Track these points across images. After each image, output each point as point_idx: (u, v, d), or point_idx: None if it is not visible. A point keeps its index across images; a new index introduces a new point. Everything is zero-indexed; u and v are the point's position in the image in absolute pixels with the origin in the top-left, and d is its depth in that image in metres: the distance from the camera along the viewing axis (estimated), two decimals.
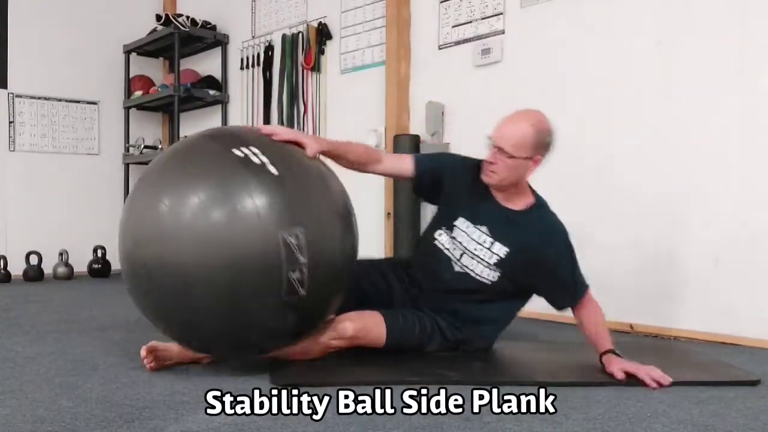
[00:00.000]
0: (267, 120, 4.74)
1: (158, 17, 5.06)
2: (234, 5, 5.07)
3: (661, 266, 2.77)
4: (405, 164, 2.22)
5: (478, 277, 2.11)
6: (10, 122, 5.03)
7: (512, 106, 3.30)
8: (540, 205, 2.15)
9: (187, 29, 4.97)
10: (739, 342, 2.57)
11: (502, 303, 2.19)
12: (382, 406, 1.61)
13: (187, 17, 5.02)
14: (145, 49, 5.41)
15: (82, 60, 5.30)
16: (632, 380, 1.86)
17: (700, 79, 2.71)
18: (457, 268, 2.13)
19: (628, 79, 2.92)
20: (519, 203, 2.13)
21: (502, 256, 2.09)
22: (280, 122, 4.60)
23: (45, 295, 3.99)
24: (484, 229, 2.09)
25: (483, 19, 3.50)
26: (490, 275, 2.10)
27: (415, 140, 3.68)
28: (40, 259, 4.86)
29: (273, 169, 1.78)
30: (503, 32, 3.41)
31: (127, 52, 5.41)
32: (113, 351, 2.27)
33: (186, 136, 2.24)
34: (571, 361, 2.20)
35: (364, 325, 2.04)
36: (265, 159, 1.79)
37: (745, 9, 2.60)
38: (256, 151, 1.81)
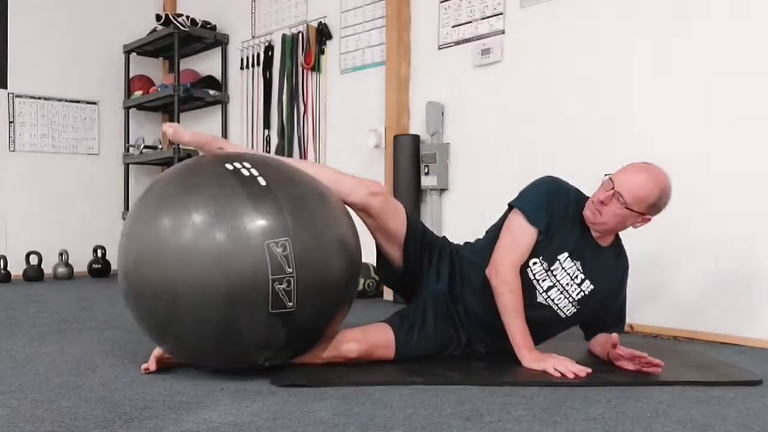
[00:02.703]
0: (267, 120, 4.75)
1: (158, 17, 5.06)
2: (234, 5, 5.07)
3: (661, 266, 2.77)
4: None
5: (557, 310, 2.07)
6: (10, 122, 5.03)
7: (512, 106, 3.34)
8: (619, 239, 2.15)
9: (187, 29, 4.97)
10: (739, 342, 2.57)
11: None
12: (383, 406, 1.61)
13: (187, 17, 5.02)
14: (145, 49, 5.41)
15: (82, 60, 5.30)
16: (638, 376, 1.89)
17: (699, 80, 2.71)
18: (540, 299, 2.05)
19: (628, 78, 2.92)
20: (608, 240, 2.11)
21: (587, 293, 2.07)
22: (280, 122, 4.61)
23: (45, 295, 3.99)
24: (578, 264, 2.05)
25: (483, 19, 3.50)
26: (568, 310, 2.07)
27: (415, 140, 3.69)
28: (40, 259, 4.86)
29: (262, 181, 1.80)
30: (503, 32, 3.41)
31: (127, 52, 5.41)
32: (113, 351, 2.27)
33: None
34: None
35: (370, 346, 2.01)
36: (255, 172, 1.82)
37: (746, 9, 2.60)
38: (247, 165, 1.84)
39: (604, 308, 2.15)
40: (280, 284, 1.70)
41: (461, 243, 2.31)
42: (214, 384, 1.81)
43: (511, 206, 2.11)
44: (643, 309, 2.80)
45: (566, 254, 2.05)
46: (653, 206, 1.98)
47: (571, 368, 1.89)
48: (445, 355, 2.16)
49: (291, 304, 1.72)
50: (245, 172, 1.81)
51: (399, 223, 2.16)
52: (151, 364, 1.94)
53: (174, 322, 1.77)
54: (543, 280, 2.05)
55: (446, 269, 2.19)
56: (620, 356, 1.97)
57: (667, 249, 2.76)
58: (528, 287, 2.04)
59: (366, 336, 2.02)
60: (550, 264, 2.04)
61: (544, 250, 2.04)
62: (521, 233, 2.03)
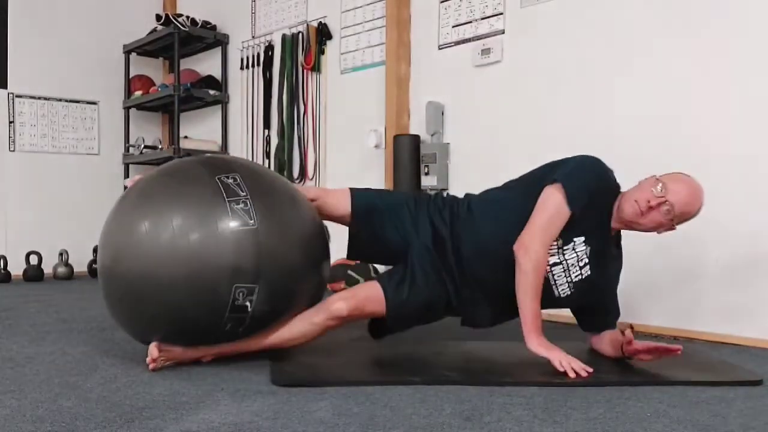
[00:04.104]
0: (267, 120, 4.75)
1: (158, 17, 5.06)
2: (234, 5, 5.07)
3: (661, 266, 2.77)
4: None
5: (553, 286, 2.05)
6: (10, 122, 5.03)
7: (512, 106, 3.34)
8: (620, 234, 2.15)
9: (187, 29, 4.97)
10: (739, 342, 2.57)
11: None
12: (383, 406, 1.61)
13: (187, 17, 5.02)
14: (145, 49, 5.40)
15: (82, 60, 5.30)
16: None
17: (700, 78, 2.71)
18: None
19: (628, 78, 2.92)
20: (614, 233, 2.12)
21: (584, 277, 2.06)
22: (280, 122, 4.61)
23: (45, 295, 3.99)
24: (588, 250, 2.04)
25: (483, 19, 3.50)
26: (564, 291, 2.07)
27: (415, 140, 3.69)
28: (40, 259, 4.86)
29: (211, 154, 2.10)
30: (503, 32, 3.41)
31: (127, 52, 5.41)
32: (113, 351, 2.27)
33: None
34: None
35: (358, 301, 2.04)
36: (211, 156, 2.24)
37: (745, 9, 2.60)
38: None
39: (601, 300, 2.16)
40: (237, 204, 1.86)
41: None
42: (214, 384, 1.81)
43: (554, 179, 2.01)
44: (643, 309, 2.80)
45: (583, 238, 2.03)
46: (687, 220, 2.02)
47: (574, 365, 1.89)
48: (437, 318, 2.19)
49: (252, 221, 1.86)
50: (200, 154, 2.14)
51: (345, 205, 2.21)
52: (153, 352, 1.93)
53: (142, 276, 1.85)
54: (551, 255, 2.02)
55: (426, 222, 2.14)
56: (638, 351, 1.98)
57: (667, 249, 2.76)
58: None
59: (354, 293, 2.07)
60: (565, 243, 2.02)
61: (564, 230, 2.01)
62: (557, 213, 1.98)
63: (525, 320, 1.98)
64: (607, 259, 2.10)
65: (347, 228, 2.25)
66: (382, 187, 3.80)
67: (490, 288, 2.09)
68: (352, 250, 2.26)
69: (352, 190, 2.24)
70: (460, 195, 2.27)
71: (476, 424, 1.49)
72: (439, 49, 3.71)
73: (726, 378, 1.97)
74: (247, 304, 1.87)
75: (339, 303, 2.03)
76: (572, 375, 1.87)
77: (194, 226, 1.84)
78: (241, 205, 1.85)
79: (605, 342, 2.16)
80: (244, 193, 1.88)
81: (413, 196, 2.29)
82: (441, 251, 2.12)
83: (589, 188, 2.01)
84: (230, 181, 1.90)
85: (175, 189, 1.93)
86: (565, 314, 2.36)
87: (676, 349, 1.93)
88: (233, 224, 1.84)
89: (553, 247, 2.01)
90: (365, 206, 2.20)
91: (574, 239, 2.02)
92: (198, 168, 1.98)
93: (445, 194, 2.27)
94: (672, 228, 2.01)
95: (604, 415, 1.58)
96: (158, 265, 1.83)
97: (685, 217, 1.99)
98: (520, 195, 2.10)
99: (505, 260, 2.01)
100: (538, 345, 1.95)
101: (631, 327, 2.80)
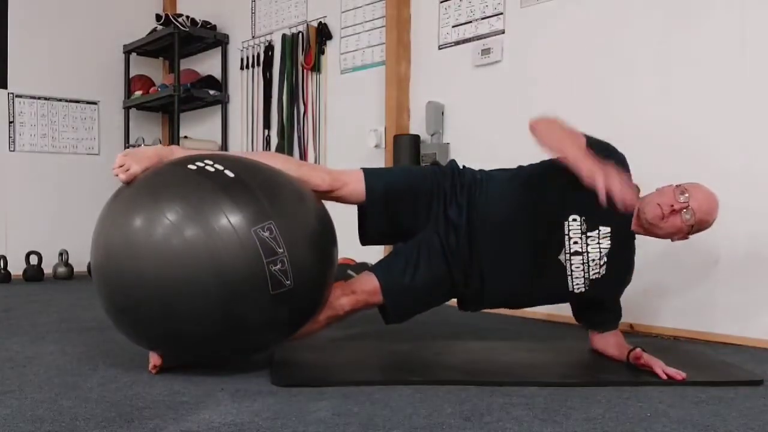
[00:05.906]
0: (267, 120, 4.75)
1: (158, 17, 5.06)
2: (234, 5, 5.07)
3: (661, 266, 2.77)
4: None
5: (569, 278, 2.02)
6: (10, 122, 5.03)
7: (512, 106, 3.34)
8: (635, 232, 2.12)
9: (187, 29, 4.98)
10: (739, 342, 2.57)
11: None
12: (383, 406, 1.61)
13: (187, 17, 5.02)
14: (145, 49, 5.41)
15: (82, 60, 5.30)
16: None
17: (698, 80, 2.71)
18: (561, 257, 2.00)
19: (627, 79, 2.92)
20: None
21: (599, 276, 2.04)
22: (280, 122, 4.61)
23: (45, 295, 3.99)
24: (610, 247, 2.02)
25: (483, 19, 3.51)
26: (578, 287, 2.04)
27: (415, 140, 3.69)
28: (40, 259, 4.86)
29: (229, 173, 1.82)
30: (503, 32, 3.41)
31: (127, 52, 5.42)
32: (113, 351, 2.27)
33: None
34: (571, 361, 2.20)
35: (359, 298, 2.07)
36: (219, 167, 1.83)
37: (745, 9, 2.60)
38: (209, 162, 1.85)
39: (609, 299, 2.16)
40: (275, 266, 1.75)
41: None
42: (214, 384, 1.81)
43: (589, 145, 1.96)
44: (644, 309, 2.80)
45: (609, 229, 2.00)
46: (702, 230, 2.02)
47: (615, 188, 1.74)
48: (440, 304, 2.17)
49: (289, 282, 1.77)
50: (210, 169, 1.82)
51: (360, 195, 2.14)
52: (155, 359, 1.93)
53: (171, 331, 1.78)
54: (574, 242, 2.00)
55: (440, 211, 2.12)
56: (646, 366, 1.97)
57: (668, 249, 2.76)
58: (558, 241, 2.00)
59: (352, 288, 2.09)
60: (590, 229, 2.00)
61: (591, 211, 1.96)
62: (575, 132, 1.98)
63: (563, 145, 1.88)
64: (622, 262, 2.09)
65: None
66: None
67: (504, 273, 2.07)
68: (363, 236, 2.24)
69: (365, 176, 2.15)
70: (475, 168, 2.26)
71: (476, 424, 1.49)
72: (439, 49, 3.71)
73: (726, 378, 1.96)
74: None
75: (341, 300, 2.05)
76: (602, 188, 1.73)
77: (233, 290, 1.72)
78: (279, 266, 1.75)
79: (611, 345, 2.15)
80: (282, 250, 1.74)
81: (430, 178, 2.17)
82: (453, 239, 2.10)
83: (626, 170, 2.00)
84: (266, 234, 1.74)
85: (209, 237, 1.71)
86: (566, 315, 2.36)
87: (681, 377, 1.90)
88: (272, 290, 1.75)
89: (576, 230, 2.00)
90: (379, 197, 2.15)
91: (600, 227, 2.00)
92: (228, 208, 1.74)
93: (462, 166, 2.22)
94: (686, 237, 2.01)
95: (604, 415, 1.58)
96: (194, 320, 1.75)
97: (701, 225, 1.99)
98: (536, 173, 2.12)
99: (523, 246, 2.02)
100: (585, 158, 1.81)
101: (631, 326, 2.81)
